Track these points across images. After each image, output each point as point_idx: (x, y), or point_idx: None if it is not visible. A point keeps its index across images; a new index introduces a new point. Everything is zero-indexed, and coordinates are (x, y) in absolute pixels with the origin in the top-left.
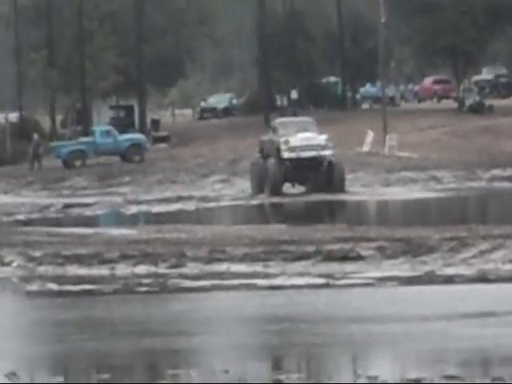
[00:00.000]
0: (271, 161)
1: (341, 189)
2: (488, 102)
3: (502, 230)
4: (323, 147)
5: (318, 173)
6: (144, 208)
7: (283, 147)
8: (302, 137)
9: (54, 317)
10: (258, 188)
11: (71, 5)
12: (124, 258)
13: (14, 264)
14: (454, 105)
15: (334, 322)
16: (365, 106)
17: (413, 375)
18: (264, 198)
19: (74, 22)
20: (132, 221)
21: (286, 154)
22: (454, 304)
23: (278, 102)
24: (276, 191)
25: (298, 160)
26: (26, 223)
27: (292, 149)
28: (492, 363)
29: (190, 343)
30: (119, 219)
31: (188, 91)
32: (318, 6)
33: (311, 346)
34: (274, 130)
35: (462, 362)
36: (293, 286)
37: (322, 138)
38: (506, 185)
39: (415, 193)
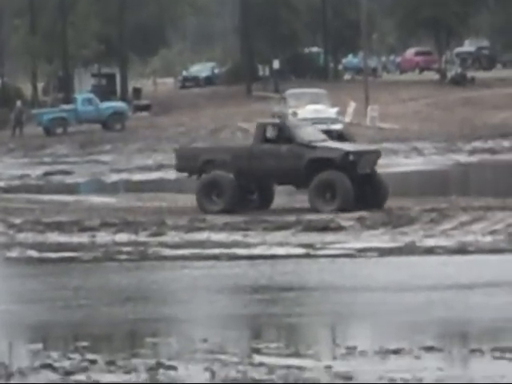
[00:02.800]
0: None
1: None
2: (470, 73)
3: (482, 202)
4: (333, 120)
5: None
6: (125, 176)
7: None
8: (311, 109)
9: (33, 283)
10: None
11: None
12: (104, 225)
13: None
14: (436, 76)
15: (313, 291)
16: (347, 76)
17: (392, 346)
18: None
19: None
20: (113, 189)
21: None
22: (434, 275)
23: (260, 72)
24: None
25: None
26: (7, 190)
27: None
28: (471, 335)
29: (169, 312)
30: (100, 187)
31: (170, 60)
32: None
33: (290, 315)
34: (285, 101)
35: (441, 333)
36: (273, 256)
37: (332, 111)
38: (487, 157)
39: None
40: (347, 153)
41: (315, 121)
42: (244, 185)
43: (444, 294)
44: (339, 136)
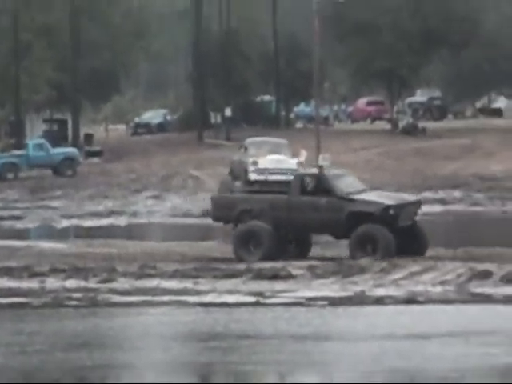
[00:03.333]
0: (238, 183)
1: None
2: (421, 124)
3: (432, 252)
4: (293, 172)
5: None
6: (75, 222)
7: (251, 168)
8: (273, 159)
9: None
10: None
11: (7, 16)
12: (54, 271)
13: None
14: (388, 126)
15: (266, 339)
16: (299, 125)
17: None
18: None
19: (10, 34)
20: (63, 235)
21: (253, 176)
22: (386, 324)
23: (212, 120)
24: None
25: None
26: None
27: (260, 171)
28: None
29: (118, 358)
30: (50, 232)
31: (122, 106)
32: (254, 26)
33: (237, 363)
34: (245, 150)
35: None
36: (223, 304)
37: (293, 162)
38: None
39: None
40: (387, 207)
41: (276, 171)
42: (281, 235)
43: (397, 343)
44: None
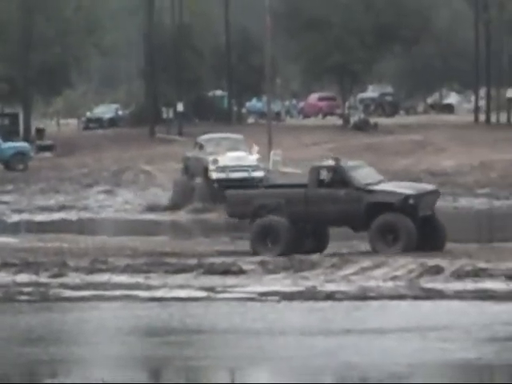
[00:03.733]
0: (198, 180)
1: None
2: (373, 119)
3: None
4: (254, 168)
5: None
6: (26, 216)
7: (211, 167)
8: (232, 156)
9: None
10: (180, 206)
11: None
12: (5, 266)
13: None
14: (339, 122)
15: (212, 334)
16: (250, 120)
17: None
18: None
19: None
20: (14, 229)
21: (214, 175)
22: (336, 319)
23: (164, 115)
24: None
25: (228, 181)
26: None
27: (221, 169)
28: (374, 379)
29: (69, 353)
30: (1, 227)
31: (74, 101)
32: (207, 21)
33: (188, 357)
34: (201, 147)
35: (345, 376)
36: (174, 299)
37: (252, 158)
38: None
39: None
40: (407, 196)
41: (236, 168)
42: (299, 229)
43: (351, 338)
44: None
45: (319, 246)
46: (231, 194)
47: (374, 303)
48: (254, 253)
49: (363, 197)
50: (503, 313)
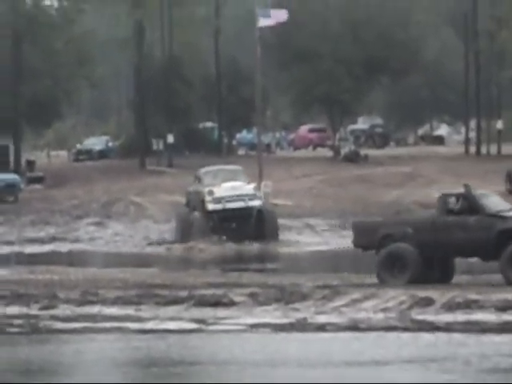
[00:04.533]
0: (195, 214)
1: (274, 238)
2: (363, 151)
3: (374, 279)
4: (251, 197)
5: (247, 224)
6: (16, 248)
7: (208, 198)
8: (228, 186)
9: None
10: (183, 240)
11: None
12: None
13: None
14: (330, 153)
15: (202, 365)
16: (241, 152)
17: None
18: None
19: None
20: (4, 261)
21: (210, 206)
22: (330, 351)
23: (154, 146)
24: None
25: (225, 211)
26: None
27: (217, 200)
28: None
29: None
30: None
31: (64, 133)
32: (196, 52)
33: None
34: (199, 180)
35: None
36: (165, 331)
37: (249, 188)
38: None
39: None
40: None
41: (232, 198)
42: (426, 258)
43: (352, 370)
44: (258, 212)
45: (444, 276)
46: (356, 223)
47: (367, 335)
48: (380, 281)
49: (495, 223)
50: (501, 344)
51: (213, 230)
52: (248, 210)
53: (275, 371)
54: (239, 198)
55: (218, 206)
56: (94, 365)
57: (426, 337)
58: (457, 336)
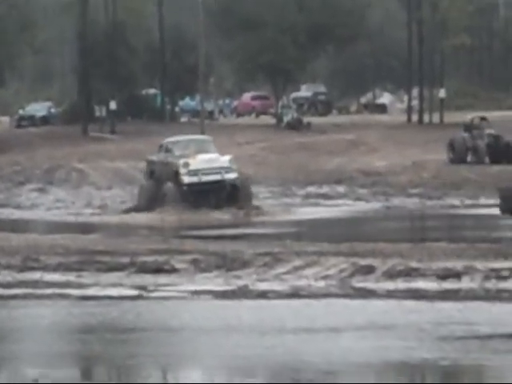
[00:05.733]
0: (168, 185)
1: (248, 205)
2: (306, 119)
3: (316, 247)
4: (227, 170)
5: (220, 197)
6: None
7: (183, 171)
8: (204, 159)
9: None
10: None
11: None
12: None
13: None
14: (273, 121)
15: (142, 332)
16: (183, 119)
17: None
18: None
19: None
20: None
21: (186, 179)
22: (274, 318)
23: (97, 113)
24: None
25: (200, 185)
26: None
27: (193, 172)
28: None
29: (1, 350)
30: None
31: (6, 98)
32: (140, 18)
33: (119, 356)
34: (167, 150)
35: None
36: (106, 297)
37: (225, 160)
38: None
39: None
40: None
41: (209, 171)
42: None
43: (284, 337)
44: (233, 186)
45: None
46: (504, 189)
47: (312, 302)
48: None
49: None
50: (448, 311)
51: (185, 202)
52: (224, 183)
53: (230, 338)
54: (216, 170)
55: (194, 179)
56: (29, 331)
57: (374, 304)
58: (405, 303)
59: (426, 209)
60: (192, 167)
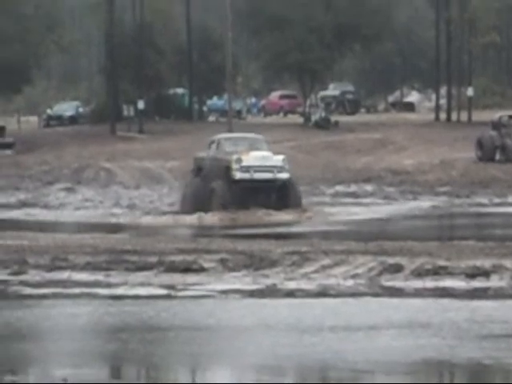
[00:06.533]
0: (218, 182)
1: (297, 208)
2: (334, 118)
3: (344, 245)
4: (280, 169)
5: (270, 197)
6: None
7: (235, 166)
8: (257, 155)
9: None
10: (193, 210)
11: None
12: None
13: None
14: (300, 120)
15: (174, 331)
16: (211, 118)
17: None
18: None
19: None
20: None
21: (238, 175)
22: (311, 317)
23: (125, 112)
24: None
25: (252, 182)
26: None
27: (245, 168)
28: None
29: (29, 350)
30: None
31: (34, 98)
32: (168, 19)
33: (151, 355)
34: (218, 146)
35: (305, 376)
36: (134, 296)
37: (278, 159)
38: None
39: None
40: None
41: (261, 169)
42: None
43: (339, 335)
44: (284, 186)
45: None
46: None
47: (335, 301)
48: None
49: None
50: (483, 310)
51: (234, 200)
52: (275, 182)
53: (267, 336)
54: (268, 168)
55: (246, 176)
56: (66, 330)
57: (408, 302)
58: (440, 302)
59: (455, 207)
60: (244, 163)
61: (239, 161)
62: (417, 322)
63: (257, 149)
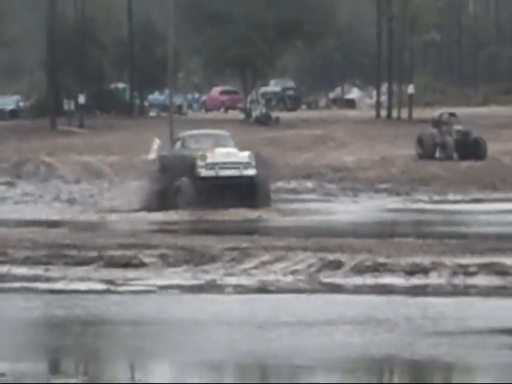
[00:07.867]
0: (184, 180)
1: (266, 206)
2: (275, 114)
3: (284, 241)
4: (246, 165)
5: (236, 193)
6: None
7: (200, 163)
8: (222, 152)
9: None
10: (158, 208)
11: None
12: None
13: None
14: (241, 116)
15: (113, 325)
16: (152, 113)
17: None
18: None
19: None
20: None
21: (203, 172)
22: (264, 311)
23: (66, 107)
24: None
25: (217, 179)
26: None
27: (210, 166)
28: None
29: None
30: None
31: None
32: (109, 12)
33: (91, 349)
34: (183, 144)
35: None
36: (74, 291)
37: (244, 155)
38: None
39: None
40: None
41: (226, 166)
42: None
43: (245, 331)
44: (251, 183)
45: None
46: None
47: (275, 297)
48: None
49: None
50: (432, 306)
51: (199, 197)
52: (241, 179)
53: (228, 331)
54: (234, 165)
55: (211, 173)
56: (5, 324)
57: (362, 299)
58: (375, 299)
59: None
60: (209, 160)
61: (204, 158)
62: (374, 317)
63: (222, 145)
